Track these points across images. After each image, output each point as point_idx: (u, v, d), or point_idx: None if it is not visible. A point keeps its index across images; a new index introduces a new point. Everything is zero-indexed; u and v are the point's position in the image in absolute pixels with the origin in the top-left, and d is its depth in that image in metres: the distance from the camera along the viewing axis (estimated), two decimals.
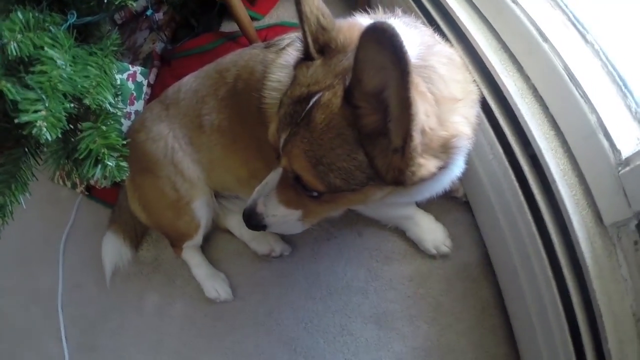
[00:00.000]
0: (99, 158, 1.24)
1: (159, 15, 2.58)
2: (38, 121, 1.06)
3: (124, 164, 1.29)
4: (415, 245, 1.86)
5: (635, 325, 1.11)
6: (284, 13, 2.61)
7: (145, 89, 2.37)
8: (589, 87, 1.20)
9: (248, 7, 2.58)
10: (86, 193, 2.37)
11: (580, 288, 1.23)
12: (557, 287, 1.32)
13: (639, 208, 1.05)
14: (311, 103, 1.04)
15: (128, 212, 2.03)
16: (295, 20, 2.45)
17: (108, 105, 1.29)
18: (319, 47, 1.10)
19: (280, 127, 1.13)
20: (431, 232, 1.80)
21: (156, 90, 2.45)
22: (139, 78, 2.32)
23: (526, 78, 1.38)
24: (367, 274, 1.89)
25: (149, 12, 1.91)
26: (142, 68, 2.35)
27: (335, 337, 1.84)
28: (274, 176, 1.25)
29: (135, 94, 2.29)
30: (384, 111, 0.92)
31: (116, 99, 1.37)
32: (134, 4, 1.41)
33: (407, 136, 0.92)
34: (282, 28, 2.54)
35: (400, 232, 1.88)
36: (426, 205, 1.83)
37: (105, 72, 1.35)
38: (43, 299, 2.27)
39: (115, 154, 1.27)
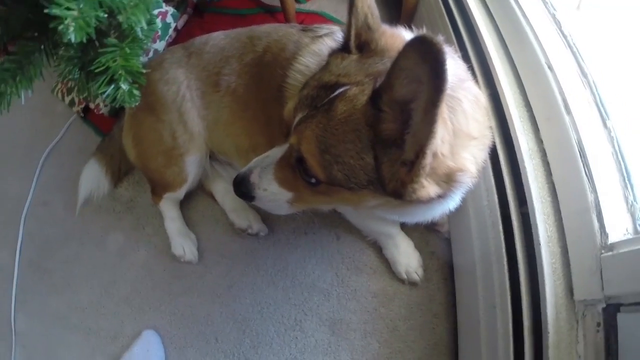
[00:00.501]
0: (114, 78, 1.24)
1: None
2: (68, 18, 1.04)
3: (137, 91, 1.29)
4: (387, 265, 1.92)
5: None
6: (326, 4, 2.65)
7: (171, 31, 2.41)
8: (595, 168, 1.25)
9: None
10: (82, 115, 2.40)
11: (536, 352, 1.29)
12: (513, 346, 1.37)
13: (610, 293, 1.10)
14: (336, 92, 1.06)
15: (118, 145, 2.06)
16: (334, 14, 2.58)
17: (139, 30, 1.29)
18: (359, 43, 1.14)
19: (298, 106, 1.15)
20: (407, 256, 1.86)
21: (181, 37, 2.48)
22: (169, 19, 2.36)
23: (539, 141, 1.44)
24: (334, 278, 1.95)
25: None
26: (174, 10, 2.39)
27: (287, 329, 1.90)
28: (276, 151, 1.26)
29: (160, 33, 2.33)
30: (405, 123, 0.94)
31: (150, 27, 1.37)
32: None
33: (420, 152, 0.94)
34: (320, 18, 2.60)
35: (377, 248, 1.93)
36: (409, 231, 1.89)
37: None
38: (8, 205, 2.31)
39: (131, 79, 1.28)
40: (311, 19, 2.60)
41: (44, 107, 2.49)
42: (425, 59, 0.78)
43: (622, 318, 1.07)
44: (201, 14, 2.63)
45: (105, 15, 1.16)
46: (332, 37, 1.49)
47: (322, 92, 1.10)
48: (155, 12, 2.24)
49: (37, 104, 2.48)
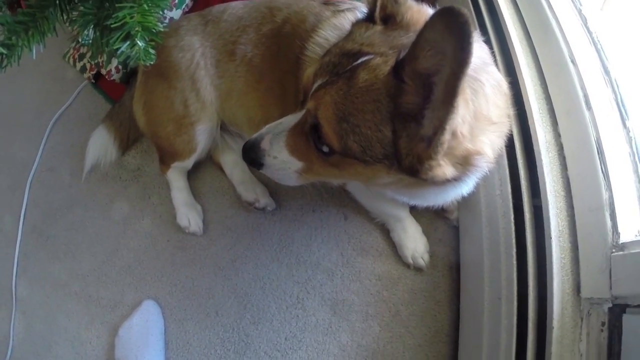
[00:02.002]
0: (130, 34, 1.21)
1: None
2: None
3: (153, 50, 1.27)
4: (393, 248, 1.92)
5: None
6: None
7: (188, 0, 2.39)
8: (612, 166, 1.25)
9: None
10: (93, 81, 2.39)
11: (538, 345, 1.30)
12: (516, 337, 1.38)
13: (618, 293, 1.10)
14: (359, 61, 1.05)
15: (128, 113, 2.06)
16: None
17: None
18: (384, 15, 1.12)
19: (318, 72, 1.13)
20: (414, 241, 1.86)
21: (198, 6, 2.44)
22: None
23: (557, 135, 1.44)
24: (339, 258, 1.95)
25: None
26: None
27: (289, 307, 1.91)
28: (290, 119, 1.24)
29: (177, 1, 2.31)
30: (426, 97, 0.92)
31: None
32: None
33: (439, 128, 0.93)
34: None
35: (384, 230, 1.93)
36: (418, 215, 1.89)
37: None
38: (14, 170, 2.33)
39: (148, 37, 1.26)
40: None
41: (55, 72, 2.48)
42: (451, 31, 0.77)
43: (627, 319, 1.08)
44: None
45: None
46: (354, 12, 1.48)
47: (345, 59, 1.08)
48: None
49: (48, 69, 2.48)
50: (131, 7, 1.21)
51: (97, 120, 2.19)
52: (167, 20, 2.27)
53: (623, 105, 1.35)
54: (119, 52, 1.22)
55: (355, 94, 1.02)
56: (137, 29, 1.22)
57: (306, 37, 1.50)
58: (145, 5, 1.24)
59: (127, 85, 2.22)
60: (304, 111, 1.18)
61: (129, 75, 2.28)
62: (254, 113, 1.80)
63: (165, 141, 1.91)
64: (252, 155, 1.27)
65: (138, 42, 1.22)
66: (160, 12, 1.33)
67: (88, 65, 2.38)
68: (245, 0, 1.82)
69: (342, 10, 1.52)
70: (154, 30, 1.25)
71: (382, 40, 1.08)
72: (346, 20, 1.45)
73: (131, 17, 1.21)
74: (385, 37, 1.09)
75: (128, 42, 1.22)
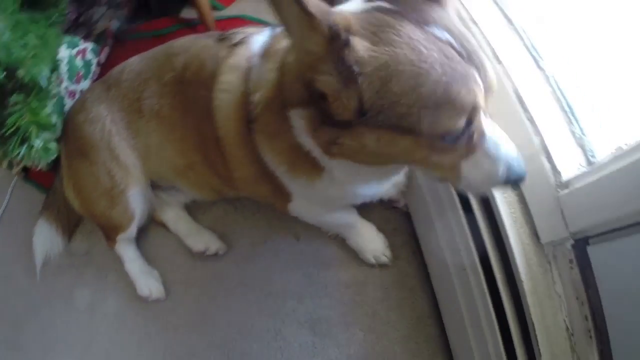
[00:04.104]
0: (25, 136, 1.14)
1: None
2: None
3: (51, 145, 1.18)
4: (352, 253, 1.82)
5: (568, 339, 1.12)
6: (246, 6, 2.53)
7: (94, 67, 2.24)
8: (536, 110, 1.20)
9: None
10: (23, 175, 2.21)
11: (515, 302, 1.23)
12: (491, 300, 1.30)
13: (575, 229, 1.05)
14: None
15: (62, 198, 1.91)
16: (256, 15, 2.46)
17: (43, 80, 1.17)
18: None
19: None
20: (372, 241, 1.77)
21: (105, 70, 2.24)
22: (89, 56, 2.19)
23: None
24: (303, 279, 1.84)
25: None
26: (94, 44, 2.22)
27: (269, 342, 1.77)
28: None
29: (82, 72, 2.14)
30: None
31: (53, 73, 1.25)
32: None
33: None
34: (242, 21, 2.48)
35: (338, 239, 1.84)
36: (367, 214, 1.80)
37: (46, 43, 1.24)
38: None
39: (44, 133, 1.16)
40: (233, 25, 2.43)
41: None
42: None
43: (592, 250, 1.04)
44: (122, 43, 2.47)
45: (4, 74, 1.07)
46: (247, 44, 1.36)
47: None
48: (74, 51, 2.07)
49: None
50: (19, 109, 1.15)
51: (36, 214, 2.01)
52: (77, 95, 2.08)
53: (534, 49, 1.31)
54: (19, 156, 1.17)
55: None
56: (31, 129, 1.17)
57: (210, 86, 1.38)
58: (33, 103, 1.15)
59: (55, 170, 2.04)
60: None
61: (55, 160, 2.09)
62: (177, 162, 1.67)
63: (103, 217, 1.77)
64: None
65: (34, 142, 1.18)
66: (47, 104, 1.23)
67: (14, 162, 2.15)
68: (142, 53, 1.70)
69: (236, 44, 1.39)
70: (48, 125, 1.15)
71: None
72: (241, 57, 1.33)
73: (22, 119, 1.15)
74: None
75: (25, 145, 1.16)
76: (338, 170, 1.16)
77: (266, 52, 1.23)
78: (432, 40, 0.85)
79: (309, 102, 0.97)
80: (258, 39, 1.31)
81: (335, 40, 0.81)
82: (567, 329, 1.11)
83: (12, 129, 1.13)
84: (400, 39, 0.84)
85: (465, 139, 0.92)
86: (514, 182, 0.99)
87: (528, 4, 1.40)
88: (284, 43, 1.16)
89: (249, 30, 1.43)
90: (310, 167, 1.19)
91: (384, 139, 0.92)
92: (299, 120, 1.03)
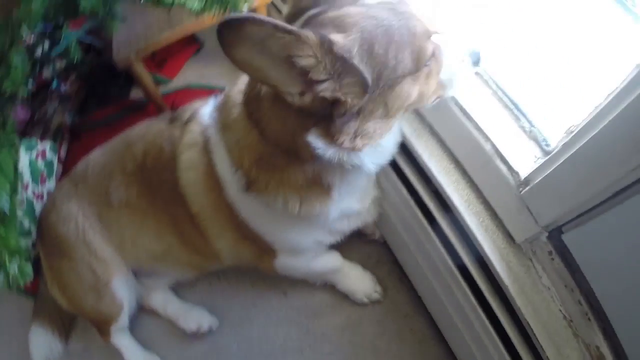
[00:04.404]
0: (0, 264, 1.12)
1: (65, 87, 2.43)
2: None
3: (27, 267, 1.17)
4: (340, 295, 1.82)
5: (568, 326, 1.12)
6: (191, 75, 2.57)
7: (56, 166, 2.22)
8: (480, 116, 1.22)
9: (156, 71, 2.55)
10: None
11: (506, 307, 1.24)
12: (483, 310, 1.31)
13: (545, 222, 1.07)
14: None
15: (51, 300, 1.84)
16: (201, 81, 2.53)
17: (5, 206, 1.17)
18: None
19: None
20: (361, 281, 1.79)
21: (68, 166, 2.28)
22: (49, 155, 2.18)
23: (422, 117, 1.40)
24: (298, 333, 1.81)
25: (54, 84, 1.78)
26: (52, 143, 2.21)
27: None
28: None
29: (46, 173, 2.13)
30: None
31: (14, 195, 1.24)
32: (25, 92, 1.30)
33: None
34: (189, 91, 2.51)
35: (326, 286, 1.83)
36: (349, 255, 1.80)
37: (1, 168, 1.23)
38: None
39: (17, 258, 1.14)
40: (182, 95, 2.50)
41: None
42: None
43: (567, 237, 1.05)
44: (78, 136, 2.47)
45: None
46: (197, 119, 1.39)
47: None
48: (34, 154, 2.06)
49: None
50: None
51: (28, 322, 1.92)
52: (45, 196, 2.07)
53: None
54: None
55: None
56: (4, 257, 1.17)
57: (172, 168, 1.40)
58: (1, 231, 1.14)
59: (37, 274, 1.99)
60: None
61: (35, 263, 2.04)
62: (154, 248, 1.67)
63: (92, 312, 1.73)
64: None
65: (10, 269, 1.17)
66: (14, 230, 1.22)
67: None
68: (103, 144, 1.70)
69: (186, 122, 1.43)
70: (19, 249, 1.15)
71: None
72: (194, 133, 1.37)
73: None
74: None
75: (1, 273, 1.16)
76: (366, 160, 1.15)
77: (223, 125, 1.26)
78: (370, 5, 0.98)
79: (316, 119, 1.01)
80: (206, 110, 1.36)
81: (324, 42, 0.88)
82: (565, 317, 1.12)
83: None
84: (353, 19, 0.94)
85: (433, 59, 1.04)
86: (474, 59, 1.15)
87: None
88: (235, 111, 1.20)
89: (195, 105, 1.46)
90: (319, 192, 1.22)
91: (393, 95, 1.01)
92: (317, 140, 1.04)
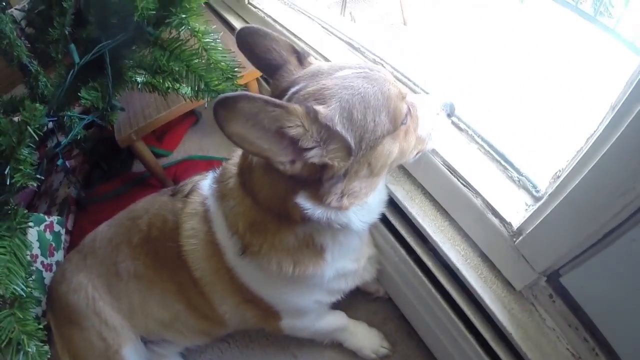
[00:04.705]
0: (19, 346, 1.15)
1: (70, 162, 2.53)
2: None
3: (45, 347, 1.20)
4: (350, 353, 1.81)
5: None
6: (190, 147, 2.65)
7: (63, 237, 2.27)
8: (468, 172, 1.27)
9: (156, 145, 2.65)
10: None
11: (513, 353, 1.24)
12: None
13: (542, 268, 1.09)
14: None
15: None
16: (200, 152, 2.61)
17: (21, 291, 1.20)
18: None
19: None
20: (368, 338, 1.79)
21: (75, 237, 2.34)
22: (56, 228, 2.22)
23: (413, 179, 1.46)
24: None
25: (59, 162, 1.84)
26: (59, 217, 2.26)
27: None
28: None
29: (54, 245, 2.17)
30: None
31: (29, 280, 1.28)
32: (35, 184, 1.36)
33: None
34: (190, 162, 2.59)
35: (334, 344, 1.83)
36: (355, 314, 1.82)
37: (15, 254, 1.27)
38: None
39: (35, 340, 1.18)
40: (183, 167, 2.58)
41: None
42: None
43: (566, 280, 1.07)
44: (85, 207, 2.52)
45: None
46: (197, 191, 1.48)
47: None
48: (41, 227, 2.11)
49: None
50: (8, 322, 1.17)
51: None
52: (54, 268, 2.11)
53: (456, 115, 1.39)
54: None
55: None
56: (22, 337, 1.17)
57: (175, 237, 1.46)
58: (19, 314, 1.19)
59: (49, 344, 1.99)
60: None
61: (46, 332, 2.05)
62: (162, 316, 1.69)
63: None
64: None
65: (29, 349, 1.17)
66: (31, 312, 1.25)
67: None
68: (109, 219, 1.75)
69: (187, 195, 1.51)
70: (38, 332, 1.20)
71: None
72: (195, 204, 1.45)
73: (12, 331, 1.16)
74: None
75: (22, 353, 1.16)
76: (354, 218, 1.20)
77: (220, 194, 1.33)
78: (344, 77, 1.06)
79: (304, 183, 1.07)
80: (205, 183, 1.45)
81: (309, 113, 0.96)
82: (573, 354, 1.13)
83: (5, 342, 1.14)
84: (331, 90, 1.03)
85: (409, 117, 1.12)
86: (448, 110, 1.24)
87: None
88: (231, 182, 1.28)
89: (195, 178, 1.54)
90: (312, 254, 1.27)
91: (376, 154, 1.08)
92: (306, 202, 1.10)
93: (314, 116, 0.97)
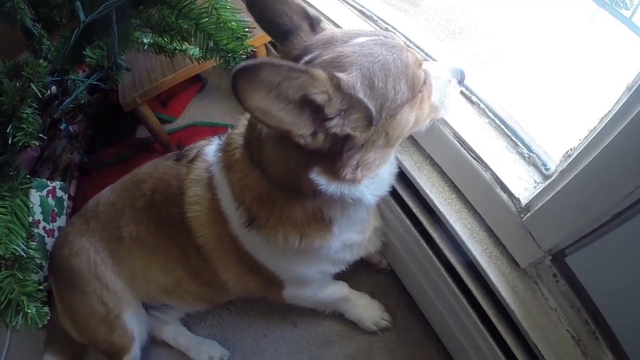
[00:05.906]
0: (18, 308, 1.14)
1: (74, 128, 2.51)
2: None
3: (44, 309, 1.19)
4: (350, 324, 1.82)
5: (577, 346, 1.11)
6: (195, 113, 2.61)
7: (66, 203, 2.26)
8: (478, 146, 1.24)
9: (160, 110, 2.62)
10: None
11: (514, 330, 1.23)
12: (491, 336, 1.31)
13: (548, 246, 1.07)
14: None
15: (62, 331, 1.84)
16: (205, 118, 2.58)
17: (21, 252, 1.20)
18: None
19: None
20: (369, 309, 1.79)
21: (78, 203, 2.33)
22: (59, 193, 2.21)
23: (422, 150, 1.43)
24: None
25: (62, 126, 1.83)
26: (61, 183, 2.24)
27: None
28: None
29: (56, 210, 2.17)
30: None
31: (29, 242, 1.27)
32: (37, 143, 1.34)
33: None
34: (195, 128, 2.57)
35: (335, 315, 1.83)
36: (357, 285, 1.81)
37: (15, 214, 1.26)
38: None
39: (35, 301, 1.17)
40: (187, 133, 2.55)
41: None
42: None
43: (570, 260, 1.04)
44: (88, 173, 2.51)
45: None
46: (201, 157, 1.44)
47: None
48: (44, 192, 2.10)
49: None
50: (8, 282, 1.17)
51: (41, 350, 1.90)
52: (56, 233, 2.11)
53: (467, 88, 1.36)
54: (17, 325, 1.17)
55: None
56: (22, 298, 1.17)
57: (179, 202, 1.44)
58: (19, 275, 1.19)
59: (50, 307, 2.00)
60: None
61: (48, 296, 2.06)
62: (164, 281, 1.69)
63: (104, 343, 1.73)
64: None
65: (28, 310, 1.17)
66: (32, 273, 1.25)
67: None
68: (113, 183, 1.74)
69: (192, 160, 1.47)
70: (37, 293, 1.20)
71: None
72: (200, 169, 1.42)
73: (12, 292, 1.16)
74: None
75: (21, 314, 1.16)
76: (366, 192, 1.17)
77: (226, 164, 1.29)
78: (362, 44, 1.02)
79: (318, 157, 1.03)
80: (210, 149, 1.41)
81: (333, 79, 0.91)
82: (573, 337, 1.11)
83: (4, 303, 1.13)
84: (350, 58, 0.98)
85: (425, 84, 1.10)
86: (459, 77, 1.21)
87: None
88: (237, 152, 1.24)
89: (200, 143, 1.51)
90: (320, 227, 1.24)
91: (394, 123, 1.05)
92: (320, 177, 1.06)
93: (337, 82, 0.92)
